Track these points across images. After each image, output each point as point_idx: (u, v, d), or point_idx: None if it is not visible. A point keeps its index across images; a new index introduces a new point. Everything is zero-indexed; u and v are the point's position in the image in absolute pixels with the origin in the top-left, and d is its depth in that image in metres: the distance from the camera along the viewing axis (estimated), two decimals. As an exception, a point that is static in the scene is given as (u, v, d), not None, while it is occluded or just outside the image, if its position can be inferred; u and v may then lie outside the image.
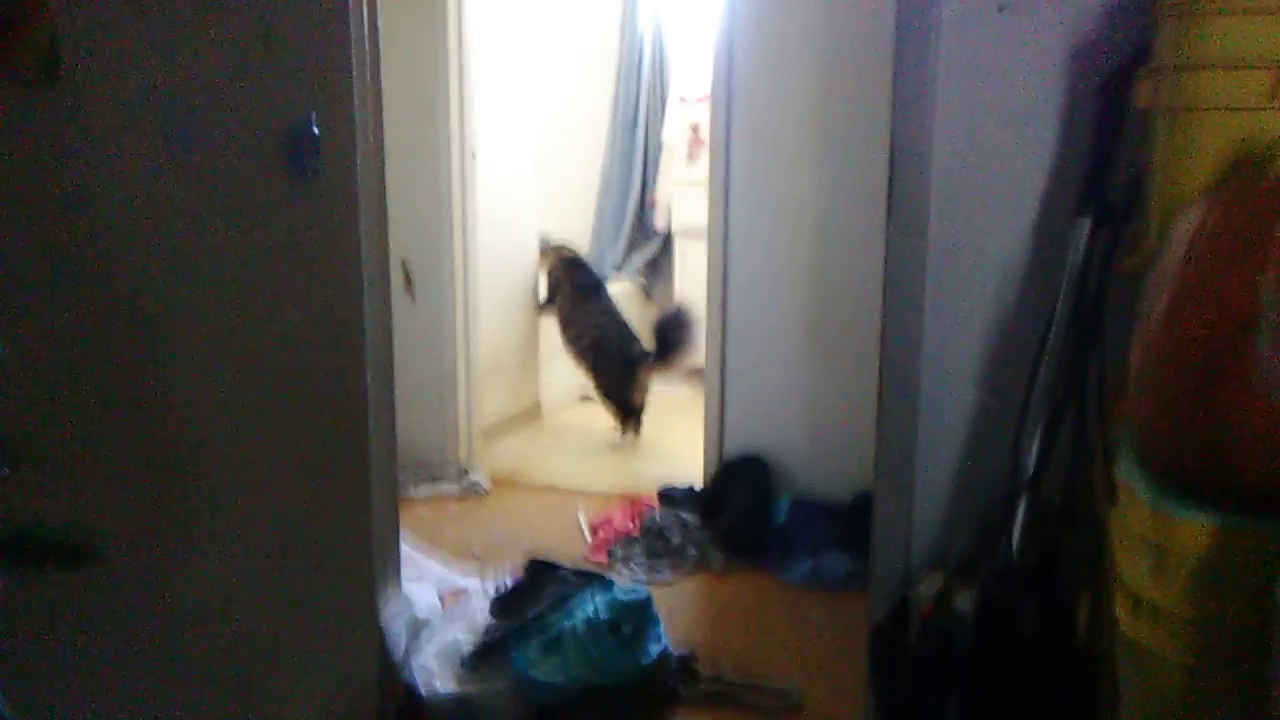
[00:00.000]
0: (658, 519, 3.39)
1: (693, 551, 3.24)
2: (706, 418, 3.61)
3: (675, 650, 2.56)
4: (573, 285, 4.57)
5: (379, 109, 2.15)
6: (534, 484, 4.00)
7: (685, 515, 3.41)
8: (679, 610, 2.96)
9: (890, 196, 1.79)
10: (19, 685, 1.37)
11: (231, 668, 1.84)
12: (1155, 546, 1.07)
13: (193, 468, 1.71)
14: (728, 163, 3.43)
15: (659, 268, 5.78)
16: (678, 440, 4.33)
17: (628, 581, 3.10)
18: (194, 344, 1.68)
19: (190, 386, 1.68)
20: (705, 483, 3.60)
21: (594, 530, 3.49)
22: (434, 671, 2.34)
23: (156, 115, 1.57)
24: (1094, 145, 1.50)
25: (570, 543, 3.42)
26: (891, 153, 1.78)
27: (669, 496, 3.55)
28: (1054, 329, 1.52)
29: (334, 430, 2.05)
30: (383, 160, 2.19)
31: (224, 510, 1.78)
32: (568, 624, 2.37)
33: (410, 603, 2.42)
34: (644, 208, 5.73)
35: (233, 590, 1.82)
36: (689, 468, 3.79)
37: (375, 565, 2.24)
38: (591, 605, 2.44)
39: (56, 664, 1.47)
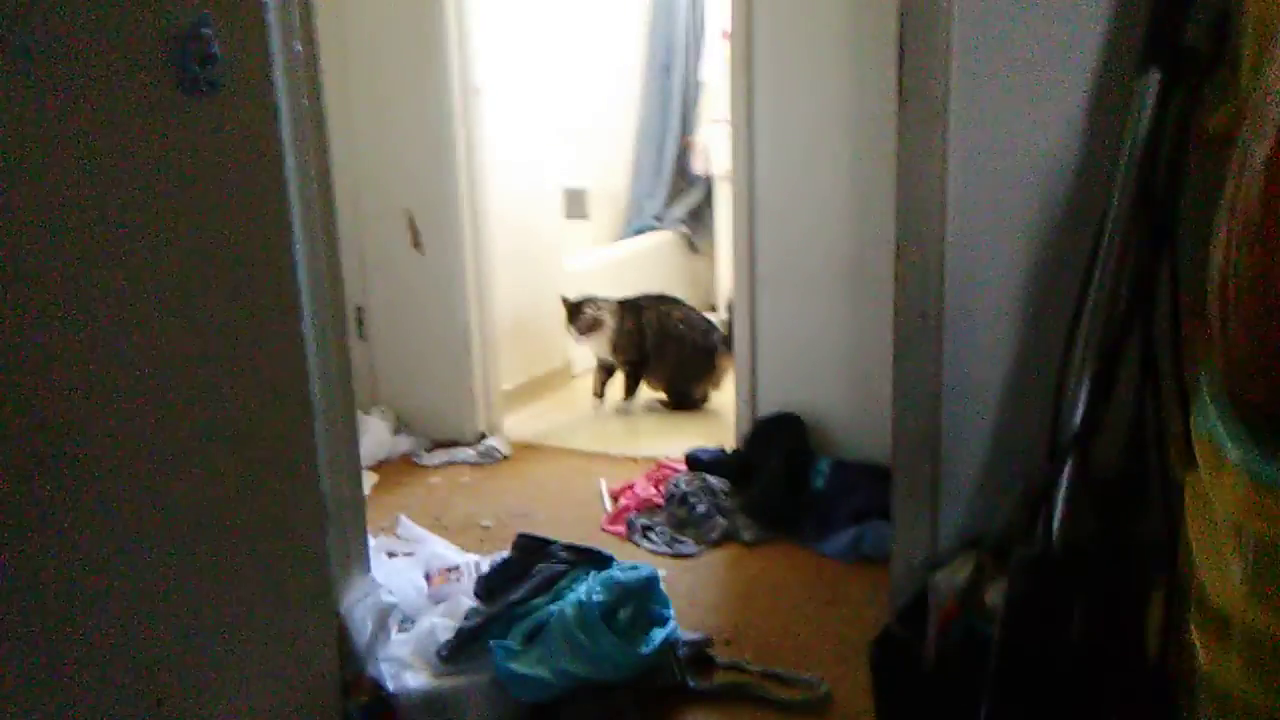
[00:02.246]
0: (682, 485, 3.05)
1: (720, 520, 2.91)
2: (737, 374, 3.26)
3: (688, 635, 2.24)
4: (639, 323, 4.00)
5: (308, 11, 1.83)
6: (556, 449, 3.69)
7: (713, 481, 3.06)
8: (700, 587, 2.64)
9: (900, 68, 1.41)
10: None
11: (152, 673, 1.58)
12: (1260, 542, 0.69)
13: (82, 447, 1.44)
14: (750, 88, 3.04)
15: (702, 216, 5.40)
16: (720, 399, 3.98)
17: (646, 554, 2.80)
18: (71, 294, 1.40)
19: (72, 345, 1.41)
20: (736, 445, 3.25)
21: (615, 498, 3.17)
22: (406, 664, 2.06)
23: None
24: None
25: (589, 512, 3.11)
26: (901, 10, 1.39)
27: (697, 460, 3.21)
28: (1111, 225, 1.12)
29: (264, 392, 1.76)
30: (316, 72, 1.88)
31: (120, 494, 1.50)
32: (554, 609, 2.07)
33: (378, 587, 2.13)
34: (683, 151, 5.34)
35: (141, 585, 1.55)
36: (729, 429, 3.44)
37: (331, 548, 1.96)
38: (584, 586, 2.12)
39: None
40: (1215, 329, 0.71)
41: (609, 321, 3.89)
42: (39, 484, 1.38)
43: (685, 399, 4.07)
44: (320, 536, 1.93)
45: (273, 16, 1.72)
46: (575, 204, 5.13)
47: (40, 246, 1.36)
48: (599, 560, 2.24)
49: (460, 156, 3.50)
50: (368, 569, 2.12)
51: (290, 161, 1.78)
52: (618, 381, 4.08)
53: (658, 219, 5.43)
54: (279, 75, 1.74)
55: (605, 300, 3.95)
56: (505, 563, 2.27)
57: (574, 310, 3.91)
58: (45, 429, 1.39)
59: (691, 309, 4.13)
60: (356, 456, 2.09)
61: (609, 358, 4.00)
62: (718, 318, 4.16)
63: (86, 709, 1.48)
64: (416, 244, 3.63)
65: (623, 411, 4.05)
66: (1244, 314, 0.66)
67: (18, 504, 1.36)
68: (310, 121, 1.87)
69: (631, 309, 3.98)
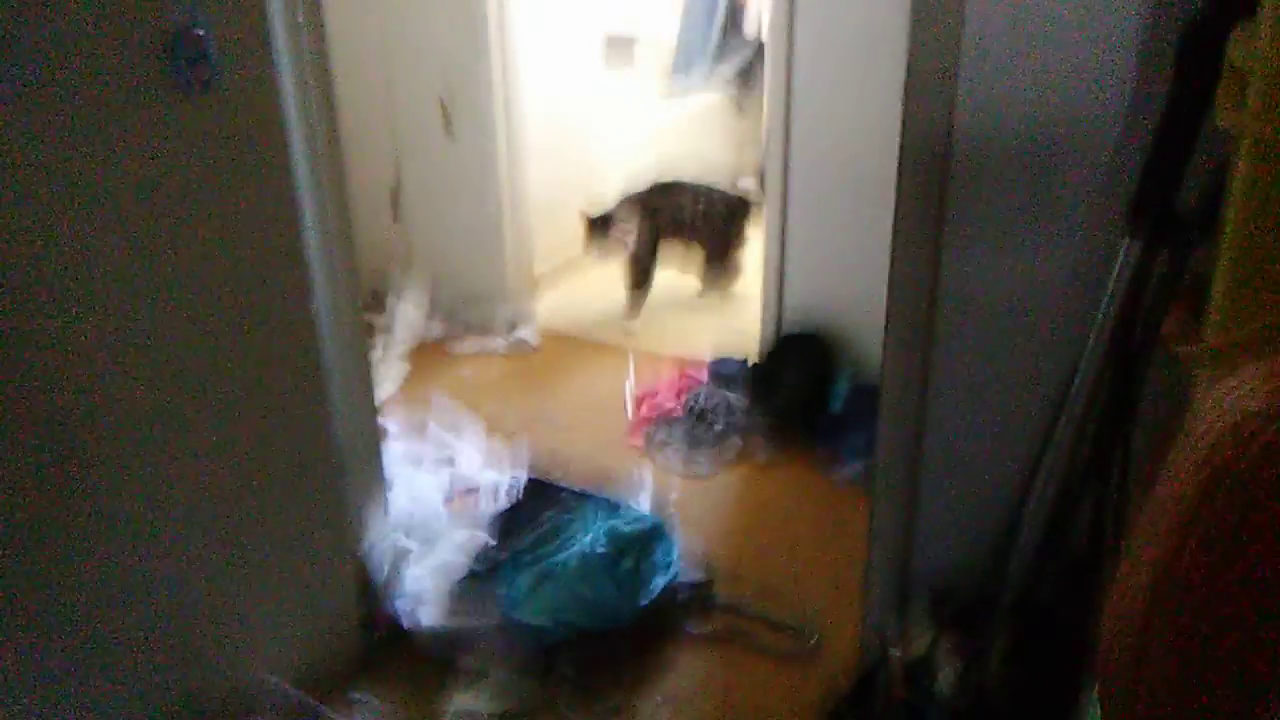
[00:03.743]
0: (702, 398, 3.10)
1: (736, 440, 2.97)
2: (764, 286, 3.23)
3: (690, 577, 2.35)
4: (653, 213, 3.83)
5: (314, 4, 1.77)
6: (585, 342, 3.73)
7: (732, 395, 3.11)
8: (710, 512, 2.73)
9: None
10: None
11: (183, 618, 1.74)
12: None
13: (103, 430, 1.55)
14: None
15: (751, 77, 5.19)
16: (745, 291, 3.92)
17: (662, 471, 2.88)
18: (76, 286, 1.47)
19: (82, 334, 1.49)
20: (759, 358, 3.27)
21: (638, 404, 3.24)
22: (422, 601, 2.20)
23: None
24: (1162, 127, 1.00)
25: (611, 419, 3.19)
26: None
27: (718, 372, 3.24)
28: (1082, 372, 1.09)
29: (276, 363, 1.83)
30: (326, 64, 1.82)
31: (143, 466, 1.62)
32: (559, 557, 2.18)
33: (394, 531, 2.25)
34: (734, 10, 5.08)
35: (169, 535, 1.69)
36: (753, 334, 3.43)
37: (349, 495, 2.07)
38: (589, 535, 2.23)
39: None
40: (1104, 674, 0.68)
41: (631, 240, 3.74)
42: (71, 466, 1.51)
43: (725, 269, 4.01)
44: (337, 487, 2.03)
45: (275, 8, 1.66)
46: (619, 52, 4.95)
47: (41, 242, 1.41)
48: (606, 506, 2.32)
49: (493, 38, 3.39)
50: (386, 511, 2.23)
51: (297, 148, 1.76)
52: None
53: (705, 78, 5.23)
54: (284, 68, 1.69)
55: (626, 209, 3.76)
56: (516, 505, 2.37)
57: (598, 227, 3.73)
58: (68, 419, 1.49)
59: (698, 185, 3.93)
60: (372, 409, 2.16)
61: (644, 262, 3.87)
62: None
63: (123, 659, 1.65)
64: (449, 129, 3.57)
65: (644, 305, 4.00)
66: (1125, 687, 0.64)
67: (54, 486, 1.49)
68: (319, 113, 1.83)
69: (648, 213, 3.78)
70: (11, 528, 1.45)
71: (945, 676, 1.27)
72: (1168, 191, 0.99)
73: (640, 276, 3.86)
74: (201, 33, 1.52)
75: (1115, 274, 1.02)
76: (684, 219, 3.82)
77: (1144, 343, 1.03)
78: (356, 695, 2.01)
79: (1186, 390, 0.87)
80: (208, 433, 1.72)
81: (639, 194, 3.83)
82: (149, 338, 1.59)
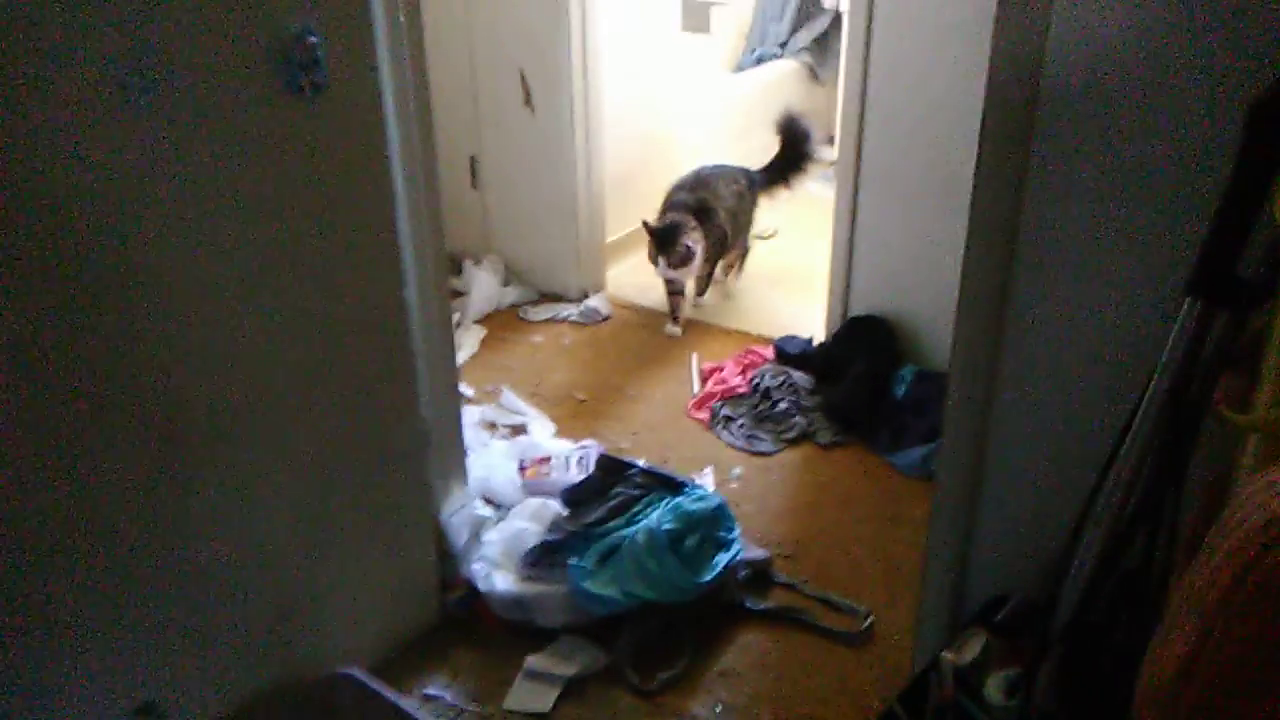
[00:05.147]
0: (767, 378, 3.17)
1: (799, 420, 3.04)
2: (831, 269, 3.28)
3: (751, 553, 2.45)
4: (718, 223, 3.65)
5: (414, 7, 1.85)
6: (655, 313, 3.80)
7: (797, 376, 3.18)
8: (771, 491, 2.82)
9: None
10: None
11: (278, 587, 1.89)
12: None
13: (214, 417, 1.68)
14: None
15: (828, 46, 5.17)
16: (815, 269, 3.68)
17: (725, 447, 2.97)
18: (198, 281, 1.60)
19: (197, 328, 1.62)
20: (824, 340, 3.32)
21: (704, 378, 3.32)
22: (496, 565, 2.33)
23: (104, 56, 1.38)
24: (1229, 189, 1.03)
25: (678, 391, 3.28)
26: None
27: (784, 351, 3.30)
28: (1139, 421, 1.13)
29: (372, 349, 1.95)
30: (423, 62, 1.92)
31: (247, 449, 1.76)
32: (627, 533, 2.28)
33: (472, 500, 2.37)
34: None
35: (267, 520, 1.83)
36: (819, 314, 3.46)
37: (431, 467, 2.19)
38: (655, 514, 2.33)
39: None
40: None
41: (699, 248, 3.52)
42: (183, 448, 1.65)
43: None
44: (421, 457, 2.16)
45: (378, 13, 1.75)
46: (696, 16, 4.96)
47: (169, 235, 1.54)
48: (672, 486, 2.42)
49: (573, 11, 3.44)
50: (465, 481, 2.36)
51: (395, 146, 1.85)
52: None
53: (781, 46, 5.22)
54: (386, 71, 1.79)
55: (685, 219, 3.55)
56: (588, 479, 2.48)
57: (664, 240, 3.47)
58: (184, 402, 1.63)
59: (723, 170, 3.82)
60: (455, 387, 2.28)
61: (709, 269, 3.78)
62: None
63: (225, 623, 1.80)
64: (528, 102, 3.65)
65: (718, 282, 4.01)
66: None
67: (167, 466, 1.63)
68: (417, 110, 1.92)
69: (703, 214, 3.60)
70: (134, 512, 1.60)
71: (995, 682, 1.35)
72: (1231, 254, 1.04)
73: (708, 279, 3.85)
74: (314, 40, 1.62)
75: (1175, 331, 1.07)
76: (728, 206, 3.71)
77: (1198, 403, 1.08)
78: (430, 691, 2.14)
79: (1238, 446, 0.92)
80: (307, 410, 1.85)
81: (686, 196, 3.66)
82: (260, 327, 1.71)
